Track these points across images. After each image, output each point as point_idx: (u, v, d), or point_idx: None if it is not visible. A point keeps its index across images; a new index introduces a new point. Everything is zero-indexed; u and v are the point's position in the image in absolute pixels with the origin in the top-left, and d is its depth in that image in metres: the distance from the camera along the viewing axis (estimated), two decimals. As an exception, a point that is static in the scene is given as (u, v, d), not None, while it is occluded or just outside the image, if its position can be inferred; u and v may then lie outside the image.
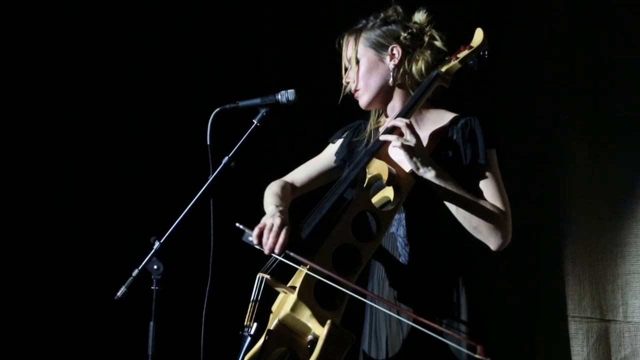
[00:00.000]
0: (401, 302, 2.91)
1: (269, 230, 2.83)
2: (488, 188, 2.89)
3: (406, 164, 2.87)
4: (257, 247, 2.86)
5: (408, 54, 3.02)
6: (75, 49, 4.72)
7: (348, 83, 3.07)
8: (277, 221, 2.84)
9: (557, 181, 4.29)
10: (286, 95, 3.13)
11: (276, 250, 2.80)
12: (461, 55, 3.01)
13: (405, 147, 2.79)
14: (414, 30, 3.02)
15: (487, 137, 2.92)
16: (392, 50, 3.01)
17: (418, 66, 3.01)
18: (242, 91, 3.74)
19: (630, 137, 4.16)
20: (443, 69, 2.98)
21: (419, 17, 3.05)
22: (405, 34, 3.01)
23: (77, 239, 4.65)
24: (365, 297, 2.79)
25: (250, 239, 2.87)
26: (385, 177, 2.80)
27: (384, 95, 3.04)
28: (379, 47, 3.02)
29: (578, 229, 4.24)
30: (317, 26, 4.75)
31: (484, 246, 4.13)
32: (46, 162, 4.65)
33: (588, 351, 4.18)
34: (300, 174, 3.26)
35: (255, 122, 3.14)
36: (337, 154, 3.19)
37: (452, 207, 2.85)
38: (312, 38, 4.75)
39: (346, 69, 3.10)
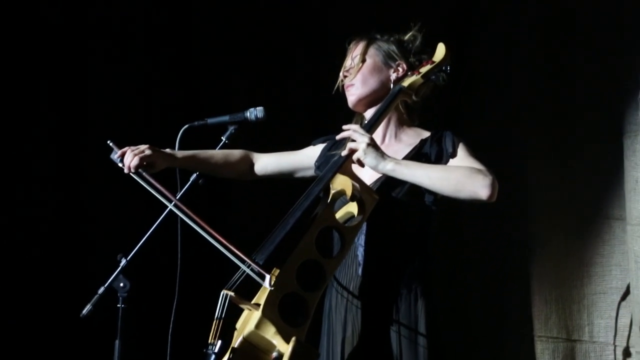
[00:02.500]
0: (359, 309, 2.92)
1: (131, 150, 2.99)
2: (462, 163, 2.92)
3: (366, 171, 2.92)
4: (119, 165, 3.00)
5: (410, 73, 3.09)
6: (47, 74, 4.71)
7: (345, 77, 3.10)
8: (144, 146, 3.01)
9: (524, 200, 4.30)
10: (255, 112, 3.15)
11: (131, 167, 2.96)
12: (423, 70, 3.06)
13: (357, 149, 2.84)
14: (424, 59, 3.11)
15: (457, 138, 2.99)
16: (398, 65, 3.09)
17: None
18: (210, 109, 3.75)
19: (598, 157, 4.18)
20: (406, 84, 3.03)
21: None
22: (414, 59, 3.09)
23: (43, 255, 4.61)
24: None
25: (115, 156, 3.01)
26: (348, 192, 2.80)
27: (374, 98, 3.07)
28: (388, 57, 3.09)
29: (545, 249, 4.25)
30: (286, 46, 4.78)
31: (451, 263, 4.15)
32: (11, 178, 4.62)
33: (554, 371, 4.19)
34: (269, 158, 3.30)
35: (224, 139, 3.17)
36: (317, 161, 3.21)
37: (426, 183, 2.84)
38: (282, 58, 4.78)
39: (345, 68, 3.13)
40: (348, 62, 3.13)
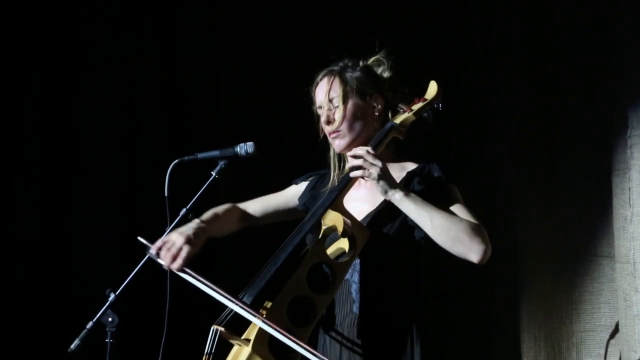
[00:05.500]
0: (355, 345, 2.91)
1: (167, 249, 2.86)
2: (456, 212, 2.88)
3: (355, 207, 2.91)
4: (158, 260, 2.88)
5: (389, 106, 3.06)
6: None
7: (329, 123, 3.04)
8: (179, 241, 2.87)
9: (513, 238, 4.31)
10: (245, 147, 3.14)
11: (173, 268, 2.83)
12: (415, 107, 3.04)
13: (370, 172, 2.80)
14: (395, 86, 3.07)
15: (446, 176, 2.95)
16: (375, 99, 3.04)
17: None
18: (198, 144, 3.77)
19: (586, 195, 4.19)
20: (398, 121, 3.01)
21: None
22: (386, 88, 3.05)
23: (29, 290, 4.60)
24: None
25: (153, 254, 2.88)
26: (340, 228, 2.80)
27: (362, 140, 3.01)
28: (364, 94, 3.03)
29: (533, 286, 4.25)
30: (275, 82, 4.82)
31: (439, 301, 4.12)
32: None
33: (543, 409, 4.18)
34: (255, 205, 3.26)
35: (214, 174, 3.15)
36: (301, 198, 3.20)
37: (426, 226, 2.82)
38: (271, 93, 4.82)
39: (321, 107, 3.07)
40: (322, 102, 3.06)
